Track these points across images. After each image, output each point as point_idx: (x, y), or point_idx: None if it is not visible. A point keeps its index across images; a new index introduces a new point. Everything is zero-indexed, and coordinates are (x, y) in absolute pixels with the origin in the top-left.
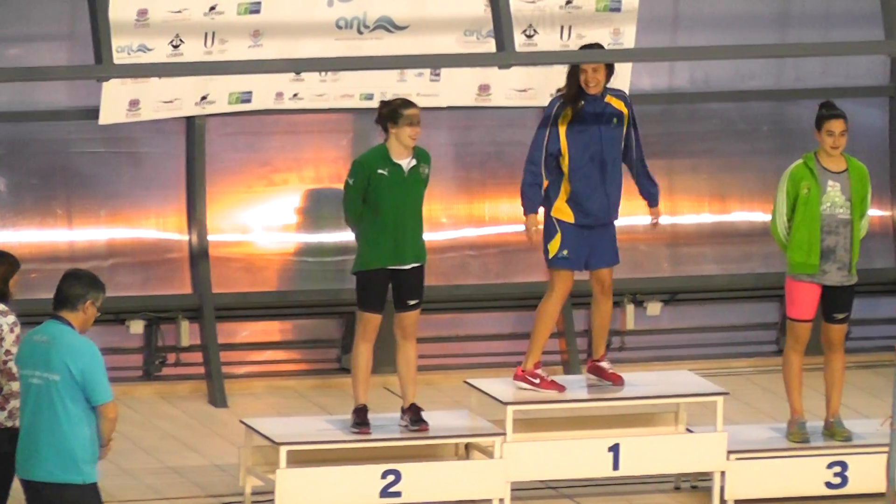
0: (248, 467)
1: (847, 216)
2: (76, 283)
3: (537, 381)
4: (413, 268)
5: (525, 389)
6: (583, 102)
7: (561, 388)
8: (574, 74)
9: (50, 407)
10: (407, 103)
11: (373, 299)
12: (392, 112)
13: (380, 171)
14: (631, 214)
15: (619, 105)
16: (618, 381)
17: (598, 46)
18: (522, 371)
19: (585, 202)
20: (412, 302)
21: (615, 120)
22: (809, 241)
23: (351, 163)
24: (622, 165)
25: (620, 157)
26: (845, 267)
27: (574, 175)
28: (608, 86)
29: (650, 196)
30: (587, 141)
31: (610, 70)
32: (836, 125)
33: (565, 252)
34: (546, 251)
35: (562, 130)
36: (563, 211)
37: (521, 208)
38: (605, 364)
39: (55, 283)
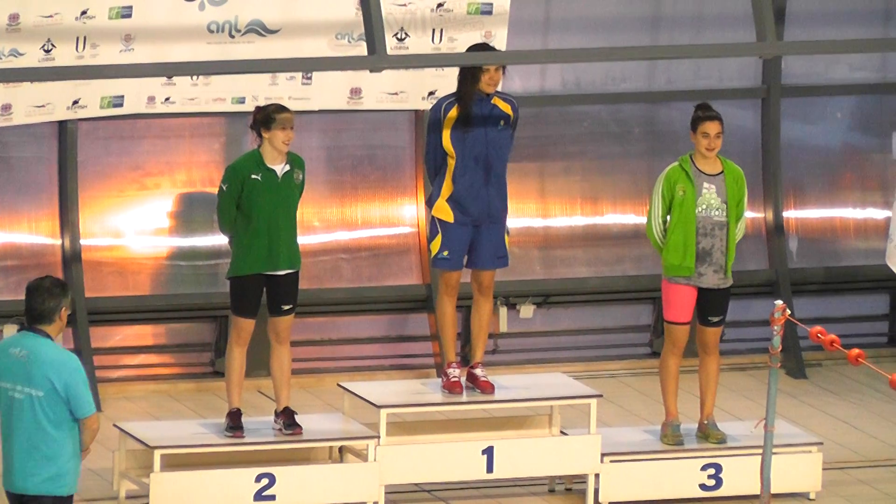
0: (122, 471)
1: (723, 218)
2: (47, 296)
3: (444, 379)
4: (288, 273)
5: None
6: (471, 103)
7: (457, 390)
8: (468, 74)
9: (34, 421)
10: (280, 108)
11: (247, 304)
12: (266, 117)
13: (253, 176)
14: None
15: (506, 108)
16: (488, 390)
17: (487, 47)
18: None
19: (466, 202)
20: (286, 307)
21: (502, 122)
22: (685, 243)
23: (224, 167)
24: (507, 167)
25: (506, 158)
26: (721, 269)
27: (458, 175)
28: (497, 89)
29: None
30: (473, 142)
31: (504, 72)
32: (712, 127)
33: (445, 252)
34: (429, 251)
35: (447, 132)
36: (443, 210)
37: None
38: (478, 371)
39: None
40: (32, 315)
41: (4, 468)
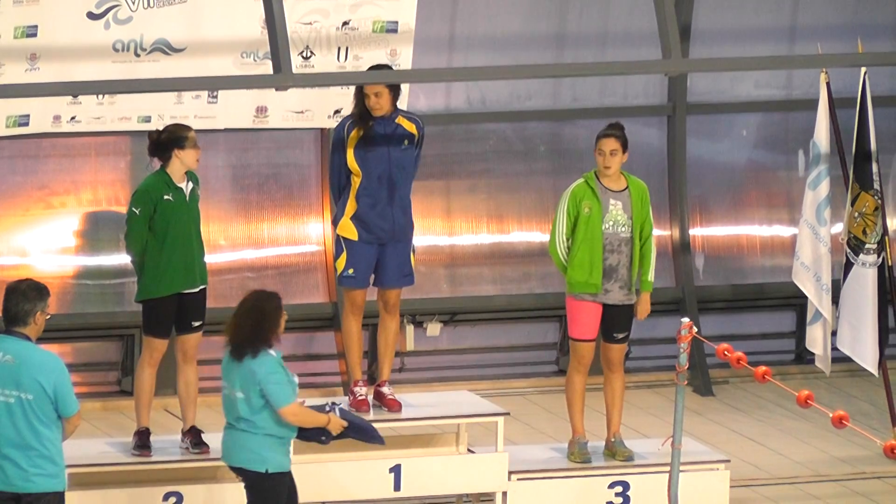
0: None
1: (629, 235)
2: (21, 299)
3: (350, 397)
4: (200, 290)
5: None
6: (372, 122)
7: (364, 408)
8: (360, 95)
9: (27, 424)
10: (184, 127)
11: (162, 325)
12: (175, 138)
13: (165, 197)
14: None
15: (410, 127)
16: (395, 408)
17: (385, 67)
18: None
19: (371, 221)
20: (196, 323)
21: (406, 141)
22: (591, 260)
23: (130, 186)
24: (412, 186)
25: (411, 177)
26: (626, 285)
27: (362, 194)
28: (401, 108)
29: None
30: (376, 161)
31: (395, 92)
32: (605, 144)
33: (351, 271)
34: (334, 269)
35: (350, 151)
36: (347, 228)
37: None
38: (385, 389)
39: None
40: (7, 317)
41: None
